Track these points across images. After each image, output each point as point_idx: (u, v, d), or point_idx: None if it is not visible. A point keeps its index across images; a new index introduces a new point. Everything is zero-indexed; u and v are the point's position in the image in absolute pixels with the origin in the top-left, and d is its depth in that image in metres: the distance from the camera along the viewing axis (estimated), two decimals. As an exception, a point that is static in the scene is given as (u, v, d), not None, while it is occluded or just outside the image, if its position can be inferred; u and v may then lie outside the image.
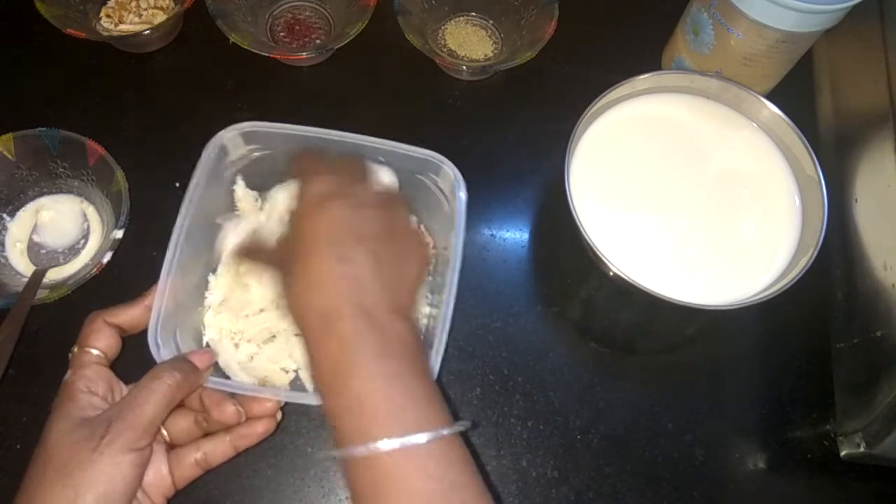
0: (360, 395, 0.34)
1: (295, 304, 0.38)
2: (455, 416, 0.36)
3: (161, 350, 0.43)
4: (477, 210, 0.59)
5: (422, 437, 0.33)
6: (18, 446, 0.50)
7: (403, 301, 0.39)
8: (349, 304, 0.36)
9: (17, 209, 0.57)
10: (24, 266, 0.55)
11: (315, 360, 0.36)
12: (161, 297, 0.44)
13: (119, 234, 0.52)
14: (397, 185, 0.50)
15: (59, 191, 0.58)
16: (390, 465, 0.33)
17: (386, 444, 0.33)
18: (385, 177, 0.49)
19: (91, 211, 0.57)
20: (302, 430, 0.52)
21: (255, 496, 0.50)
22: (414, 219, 0.55)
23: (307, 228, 0.39)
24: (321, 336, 0.36)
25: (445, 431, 0.34)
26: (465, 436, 0.36)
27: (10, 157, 0.54)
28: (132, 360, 0.52)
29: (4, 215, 0.56)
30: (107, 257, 0.51)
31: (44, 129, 0.54)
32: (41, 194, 0.57)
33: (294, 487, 0.50)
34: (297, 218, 0.40)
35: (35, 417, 0.51)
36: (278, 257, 0.42)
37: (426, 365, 0.37)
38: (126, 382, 0.43)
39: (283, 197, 0.55)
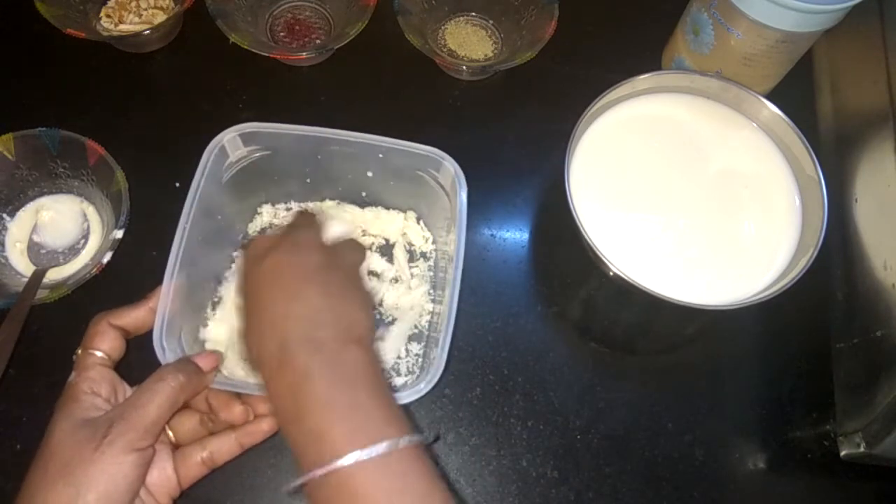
0: (317, 427, 0.34)
1: (250, 348, 0.39)
2: (433, 430, 0.36)
3: (166, 353, 0.43)
4: (477, 210, 0.59)
5: (378, 448, 0.33)
6: (18, 446, 0.50)
7: (359, 328, 0.39)
8: (300, 341, 0.36)
9: (17, 209, 0.57)
10: (24, 266, 0.55)
11: (272, 398, 0.37)
12: (165, 300, 0.44)
13: (119, 234, 0.52)
14: (350, 235, 0.50)
15: (59, 191, 0.58)
16: (349, 480, 0.33)
17: (344, 461, 0.33)
18: (336, 228, 0.49)
19: (91, 211, 0.57)
20: (302, 430, 0.52)
21: (255, 496, 0.50)
22: (366, 263, 0.56)
23: (254, 279, 0.40)
24: (276, 374, 0.36)
25: (402, 441, 0.34)
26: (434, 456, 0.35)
27: (10, 157, 0.54)
28: (137, 362, 0.52)
29: (4, 215, 0.56)
30: (107, 257, 0.51)
31: (44, 129, 0.54)
32: (41, 194, 0.57)
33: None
34: (245, 272, 0.42)
35: (35, 417, 0.51)
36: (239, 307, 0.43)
37: (384, 389, 0.37)
38: (131, 385, 0.43)
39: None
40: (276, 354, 0.37)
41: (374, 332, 0.41)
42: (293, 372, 0.36)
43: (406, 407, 0.47)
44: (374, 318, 0.42)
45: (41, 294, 0.51)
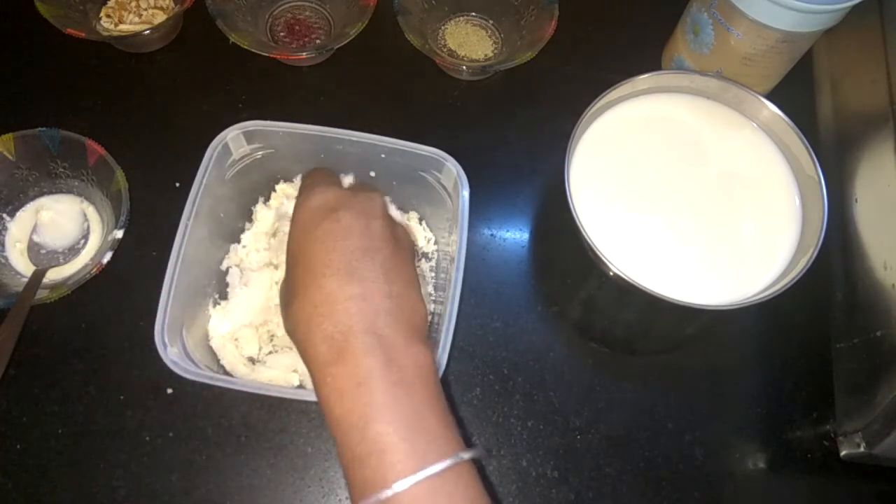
0: (377, 442, 0.31)
1: (299, 329, 0.35)
2: (467, 441, 0.34)
3: (167, 349, 0.44)
4: (477, 210, 0.59)
5: (437, 467, 0.31)
6: (18, 446, 0.50)
7: (418, 318, 0.36)
8: (362, 332, 0.33)
9: (17, 209, 0.57)
10: (24, 266, 0.55)
11: (323, 395, 0.33)
12: (167, 295, 0.44)
13: (119, 234, 0.52)
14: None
15: (59, 191, 0.58)
16: (402, 499, 0.31)
17: (403, 484, 0.31)
18: (394, 210, 0.48)
19: (91, 211, 0.57)
20: (302, 430, 0.52)
21: (255, 496, 0.50)
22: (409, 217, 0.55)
23: (311, 242, 0.37)
24: (331, 369, 0.33)
25: (465, 456, 0.32)
26: (481, 471, 0.34)
27: (10, 157, 0.54)
28: (139, 360, 0.53)
29: (4, 215, 0.56)
30: (107, 257, 0.51)
31: (44, 129, 0.54)
32: (41, 194, 0.57)
33: (294, 487, 0.50)
34: (300, 231, 0.38)
35: (35, 417, 0.51)
36: (283, 278, 0.39)
37: (441, 395, 0.34)
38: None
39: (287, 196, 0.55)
40: (335, 343, 0.33)
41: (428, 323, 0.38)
42: (354, 369, 0.33)
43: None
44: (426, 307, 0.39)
45: (41, 294, 0.51)
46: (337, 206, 0.38)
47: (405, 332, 0.35)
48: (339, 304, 0.34)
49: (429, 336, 0.53)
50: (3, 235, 0.56)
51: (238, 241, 0.55)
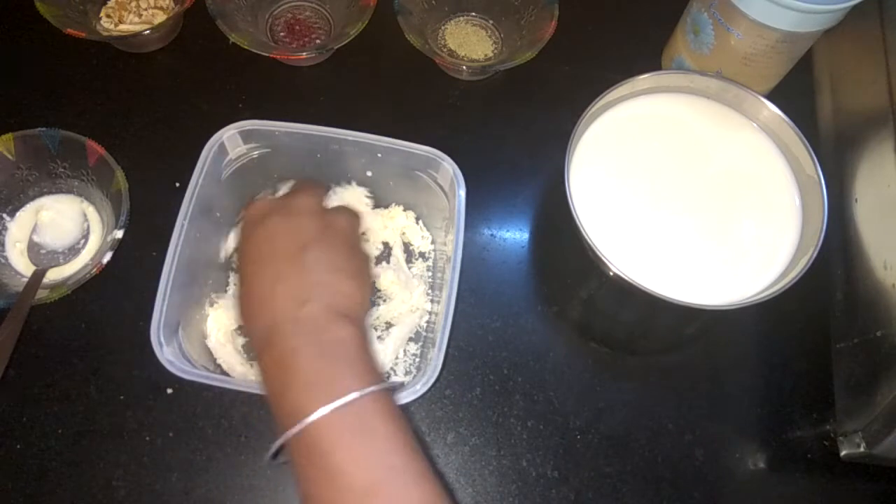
0: (296, 400, 0.35)
1: (244, 323, 0.40)
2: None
3: (164, 349, 0.44)
4: (477, 210, 0.59)
5: (341, 401, 0.34)
6: (18, 446, 0.50)
7: (347, 301, 0.39)
8: (285, 321, 0.37)
9: (17, 209, 0.57)
10: (24, 266, 0.55)
11: (262, 376, 0.38)
12: (163, 295, 0.44)
13: (119, 234, 0.52)
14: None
15: (59, 191, 0.58)
16: (317, 435, 0.34)
17: (310, 418, 0.34)
18: (335, 201, 0.50)
19: (91, 211, 0.57)
20: (302, 430, 0.52)
21: (255, 496, 0.50)
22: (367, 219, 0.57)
23: (247, 249, 0.41)
24: (263, 353, 0.38)
25: (365, 391, 0.35)
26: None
27: (10, 157, 0.54)
28: (135, 360, 0.53)
29: (4, 215, 0.56)
30: (107, 257, 0.51)
31: (44, 129, 0.54)
32: (41, 194, 0.57)
33: (294, 487, 0.50)
34: (242, 236, 0.43)
35: (35, 417, 0.51)
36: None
37: (369, 364, 0.38)
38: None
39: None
40: (264, 335, 0.38)
41: (367, 301, 0.41)
42: (280, 352, 0.37)
43: (405, 407, 0.47)
44: (368, 287, 0.42)
45: (41, 294, 0.51)
46: (269, 212, 0.42)
47: (328, 315, 0.38)
48: (268, 302, 0.39)
49: (425, 337, 0.53)
50: (3, 235, 0.56)
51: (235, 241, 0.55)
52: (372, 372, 0.37)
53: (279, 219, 0.41)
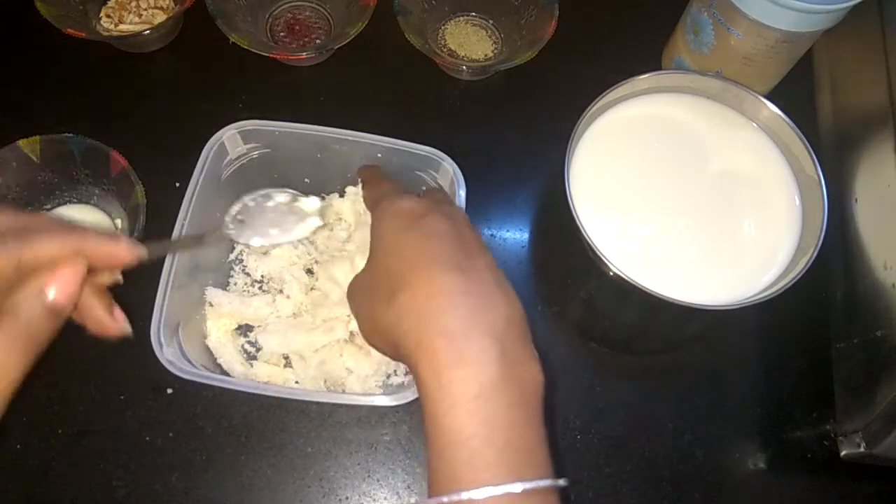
0: (473, 450, 0.30)
1: (406, 321, 0.33)
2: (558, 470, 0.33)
3: (163, 348, 0.44)
4: (477, 210, 0.59)
5: (513, 487, 0.29)
6: (18, 446, 0.50)
7: (529, 328, 0.34)
8: (483, 334, 0.31)
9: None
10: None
11: (432, 396, 0.31)
12: (162, 295, 0.44)
13: None
14: None
15: (80, 198, 0.57)
16: None
17: (475, 494, 0.29)
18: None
19: (107, 224, 0.57)
20: (302, 430, 0.52)
21: (255, 496, 0.50)
22: None
23: (412, 239, 0.35)
24: (449, 371, 0.31)
25: (539, 484, 0.30)
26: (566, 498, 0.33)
27: (35, 159, 0.54)
28: (135, 360, 0.52)
29: (23, 217, 0.56)
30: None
31: (70, 135, 0.53)
32: (61, 201, 0.57)
33: (294, 487, 0.50)
34: (391, 230, 0.37)
35: (35, 417, 0.51)
36: (365, 277, 0.38)
37: (541, 416, 0.33)
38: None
39: (346, 206, 0.55)
40: (454, 341, 0.31)
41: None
42: (476, 376, 0.31)
43: (407, 406, 0.47)
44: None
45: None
46: (425, 212, 0.37)
47: (523, 342, 0.33)
48: (457, 296, 0.32)
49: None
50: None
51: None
52: (546, 456, 0.32)
53: (446, 222, 0.36)
